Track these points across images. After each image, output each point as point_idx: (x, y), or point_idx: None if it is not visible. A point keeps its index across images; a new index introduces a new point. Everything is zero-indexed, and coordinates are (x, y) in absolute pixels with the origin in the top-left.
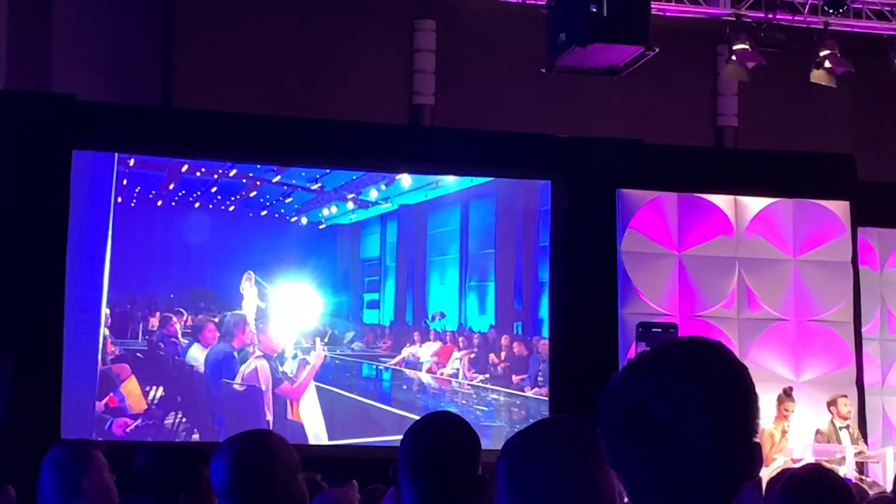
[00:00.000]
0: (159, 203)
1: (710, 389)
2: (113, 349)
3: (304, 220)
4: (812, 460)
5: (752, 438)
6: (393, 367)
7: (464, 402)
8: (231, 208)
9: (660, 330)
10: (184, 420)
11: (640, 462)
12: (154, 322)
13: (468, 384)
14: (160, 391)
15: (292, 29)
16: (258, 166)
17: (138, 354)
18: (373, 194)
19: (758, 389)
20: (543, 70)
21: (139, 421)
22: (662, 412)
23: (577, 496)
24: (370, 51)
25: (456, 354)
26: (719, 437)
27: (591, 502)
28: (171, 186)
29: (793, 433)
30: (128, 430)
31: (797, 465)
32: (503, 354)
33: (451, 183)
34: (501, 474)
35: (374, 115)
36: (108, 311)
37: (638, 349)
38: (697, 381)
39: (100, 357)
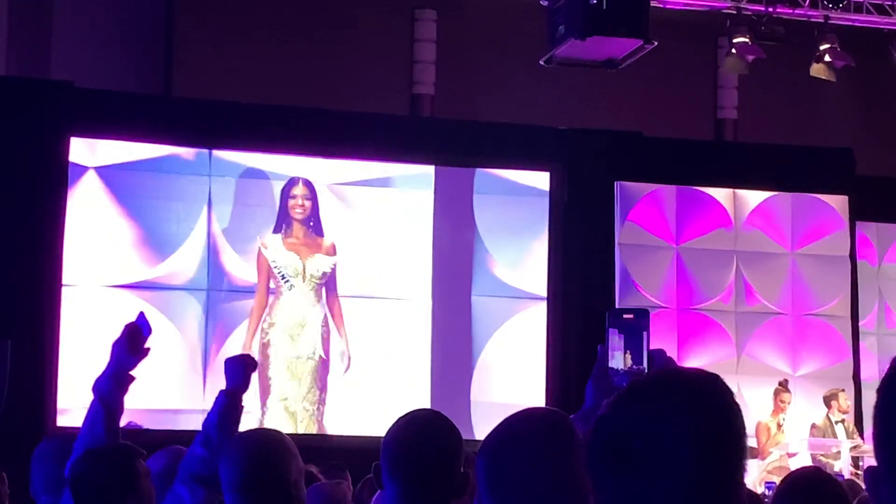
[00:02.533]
0: None
1: (692, 426)
2: None
3: None
4: (808, 454)
5: (736, 482)
6: None
7: None
8: None
9: (632, 316)
10: None
11: (617, 491)
12: None
13: None
14: None
15: (293, 18)
16: None
17: None
18: None
19: (754, 383)
20: (543, 62)
21: None
22: (641, 443)
23: (560, 490)
24: (371, 40)
25: None
26: (697, 475)
27: (573, 495)
28: None
29: (788, 427)
30: None
31: (791, 458)
32: None
33: None
34: (482, 470)
35: (374, 105)
36: None
37: (610, 336)
38: (680, 416)
39: None
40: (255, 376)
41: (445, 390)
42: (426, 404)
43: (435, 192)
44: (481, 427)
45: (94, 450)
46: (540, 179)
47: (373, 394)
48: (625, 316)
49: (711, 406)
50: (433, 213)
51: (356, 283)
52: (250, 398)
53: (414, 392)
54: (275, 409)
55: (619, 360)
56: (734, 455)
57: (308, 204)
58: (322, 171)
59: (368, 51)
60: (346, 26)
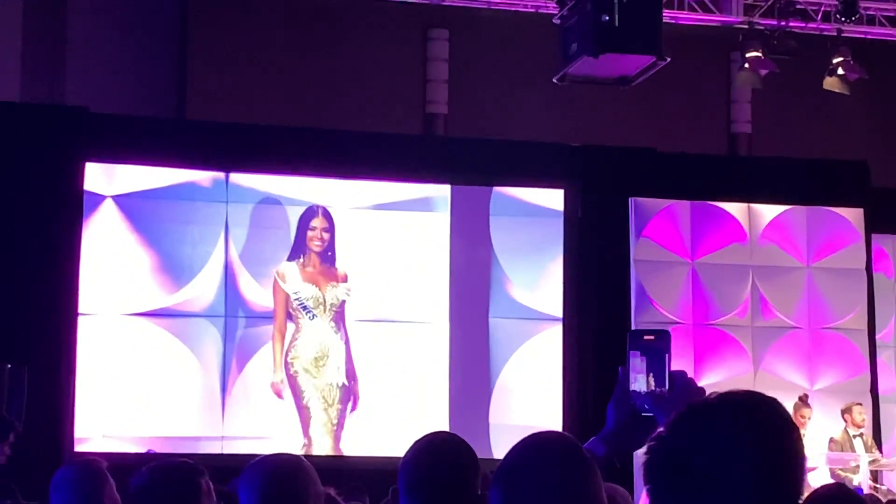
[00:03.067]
0: None
1: (754, 445)
2: None
3: None
4: (826, 469)
5: (796, 499)
6: None
7: None
8: None
9: (653, 338)
10: None
11: None
12: None
13: None
14: None
15: (305, 40)
16: None
17: None
18: None
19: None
20: (555, 80)
21: None
22: (704, 462)
23: None
24: (384, 60)
25: None
26: (759, 492)
27: None
28: None
29: (807, 441)
30: None
31: (810, 473)
32: None
33: None
34: (497, 498)
35: (387, 125)
36: None
37: (632, 358)
38: (742, 435)
39: None
40: (292, 408)
41: (463, 413)
42: (444, 427)
43: (451, 215)
44: (500, 449)
45: (159, 465)
46: (555, 199)
47: (391, 416)
48: (645, 337)
49: (772, 425)
50: (450, 235)
51: (374, 307)
52: (293, 431)
53: (432, 414)
54: (318, 437)
55: (641, 382)
56: (794, 472)
57: (326, 236)
58: (337, 194)
59: (381, 71)
60: (358, 47)
